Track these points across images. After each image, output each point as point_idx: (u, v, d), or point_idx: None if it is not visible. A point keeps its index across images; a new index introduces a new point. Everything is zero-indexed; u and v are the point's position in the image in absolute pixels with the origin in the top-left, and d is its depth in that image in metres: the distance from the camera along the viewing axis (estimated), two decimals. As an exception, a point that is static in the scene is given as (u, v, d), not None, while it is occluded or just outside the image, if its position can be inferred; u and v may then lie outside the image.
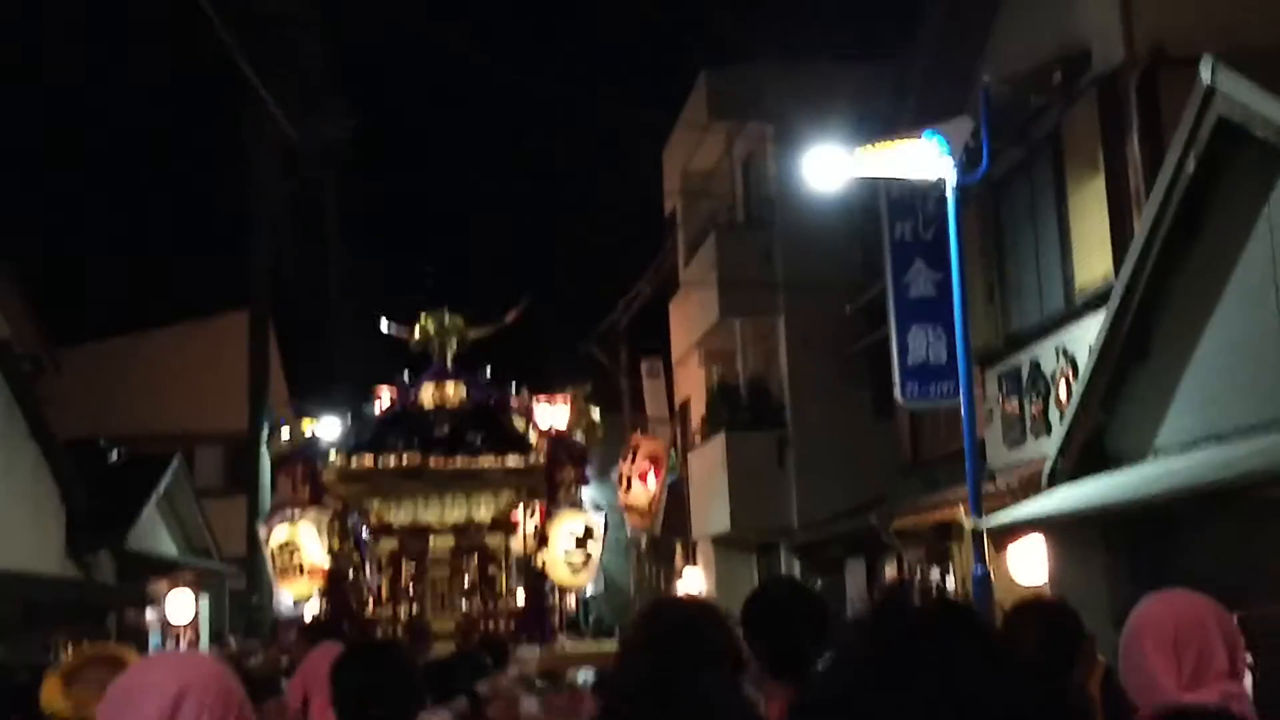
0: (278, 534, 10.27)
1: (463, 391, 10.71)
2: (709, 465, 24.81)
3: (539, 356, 33.85)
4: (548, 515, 10.28)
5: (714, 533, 25.13)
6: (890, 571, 19.27)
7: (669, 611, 3.31)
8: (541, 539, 10.25)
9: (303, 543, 10.18)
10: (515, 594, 10.38)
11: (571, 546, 10.09)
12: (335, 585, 10.34)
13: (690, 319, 26.88)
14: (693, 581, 27.20)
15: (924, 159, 12.10)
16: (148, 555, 22.29)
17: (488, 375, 11.14)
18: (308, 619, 10.26)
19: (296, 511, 10.38)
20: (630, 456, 27.26)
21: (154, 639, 23.09)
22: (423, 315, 11.12)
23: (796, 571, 22.94)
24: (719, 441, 24.01)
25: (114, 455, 23.79)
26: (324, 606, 10.31)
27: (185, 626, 22.43)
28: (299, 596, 10.40)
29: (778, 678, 3.83)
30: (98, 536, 20.52)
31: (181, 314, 31.66)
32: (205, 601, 23.51)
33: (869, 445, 21.22)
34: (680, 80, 27.01)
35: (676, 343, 28.68)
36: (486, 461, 10.17)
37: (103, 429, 25.51)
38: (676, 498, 27.68)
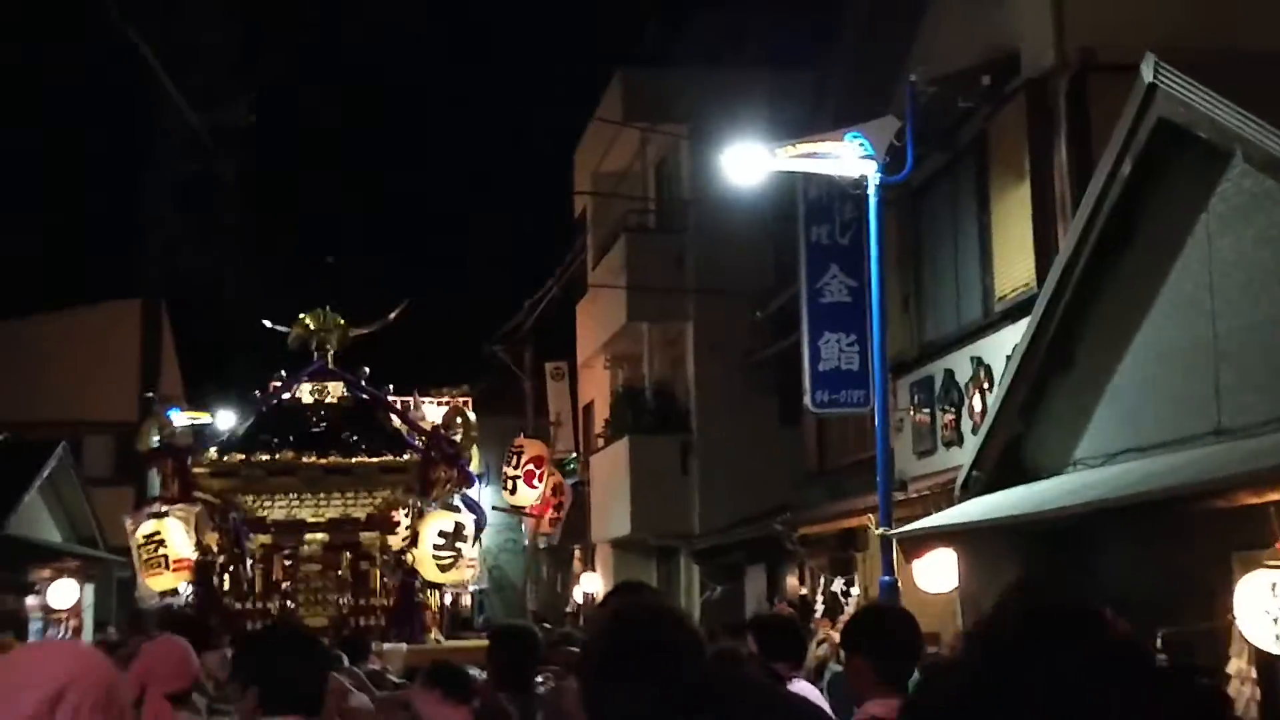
0: (144, 527, 10.23)
1: (341, 390, 10.74)
2: (611, 469, 24.56)
3: (441, 356, 33.48)
4: (419, 513, 10.27)
5: (614, 536, 24.93)
6: (791, 579, 19.09)
7: (641, 632, 2.89)
8: (413, 537, 10.23)
9: (170, 536, 10.13)
10: (390, 591, 10.42)
11: (441, 544, 10.01)
12: (204, 579, 10.31)
13: (597, 322, 26.61)
14: (590, 585, 26.94)
15: (846, 159, 11.87)
16: (29, 541, 21.55)
17: (366, 374, 11.09)
18: (166, 611, 10.17)
19: (164, 506, 10.32)
20: (514, 459, 27.06)
21: (35, 626, 22.42)
22: (302, 314, 11.11)
23: (695, 577, 22.75)
24: (622, 445, 23.77)
25: (-1, 439, 23.05)
26: (192, 600, 10.29)
27: (68, 614, 21.74)
28: (163, 589, 10.29)
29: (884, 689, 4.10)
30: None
31: (71, 300, 30.88)
32: (90, 590, 22.78)
33: (774, 453, 21.09)
34: (593, 81, 26.74)
35: (583, 345, 28.40)
36: (360, 459, 10.21)
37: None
38: (576, 502, 27.40)
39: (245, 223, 29.07)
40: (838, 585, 15.50)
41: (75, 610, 21.66)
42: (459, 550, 10.13)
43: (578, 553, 29.51)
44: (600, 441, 26.20)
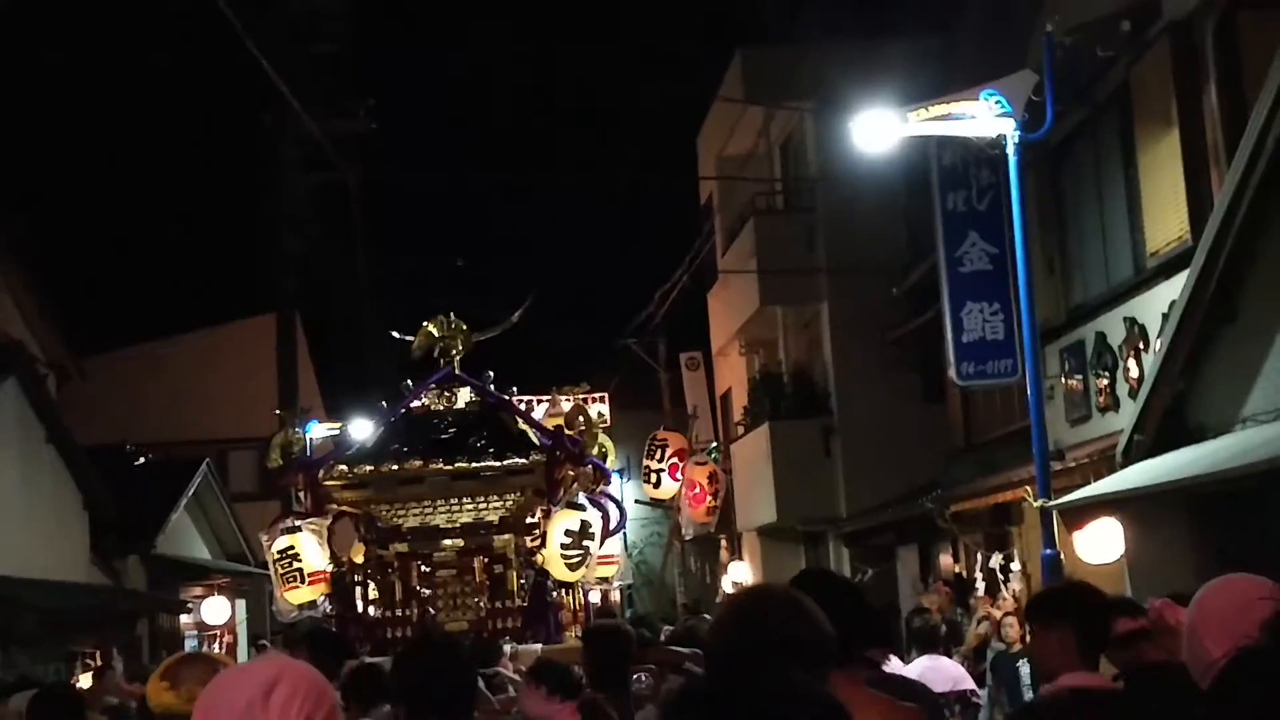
0: (279, 542, 10.29)
1: (468, 395, 10.74)
2: (753, 456, 24.21)
3: (575, 353, 33.41)
4: (546, 514, 10.27)
5: (759, 524, 24.58)
6: (945, 558, 18.64)
7: (745, 606, 3.10)
8: (542, 537, 10.25)
9: (304, 550, 10.18)
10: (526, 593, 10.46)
11: (568, 543, 9.96)
12: (341, 590, 10.41)
13: (730, 308, 26.27)
14: (738, 575, 26.62)
15: (982, 119, 11.41)
16: (178, 560, 21.75)
17: (491, 377, 11.11)
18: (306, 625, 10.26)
19: (297, 520, 10.38)
20: (658, 453, 26.93)
21: (190, 644, 22.63)
22: (425, 322, 11.17)
23: (846, 562, 22.35)
24: (762, 432, 23.40)
25: (140, 460, 23.27)
26: (331, 612, 10.40)
27: (222, 630, 21.92)
28: (300, 602, 10.33)
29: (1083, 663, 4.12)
30: (125, 542, 19.97)
31: (212, 318, 31.29)
32: (241, 606, 22.97)
33: (918, 431, 20.63)
34: (712, 63, 26.39)
35: (716, 333, 28.07)
36: (486, 463, 10.24)
37: (132, 437, 25.07)
38: (720, 490, 27.10)
39: (373, 230, 29.17)
40: (995, 561, 15.01)
41: (229, 626, 21.83)
42: (586, 548, 10.07)
43: (724, 542, 29.21)
44: (740, 429, 25.85)
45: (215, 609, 21.54)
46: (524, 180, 40.52)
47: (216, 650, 21.78)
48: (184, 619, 22.09)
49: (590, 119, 47.79)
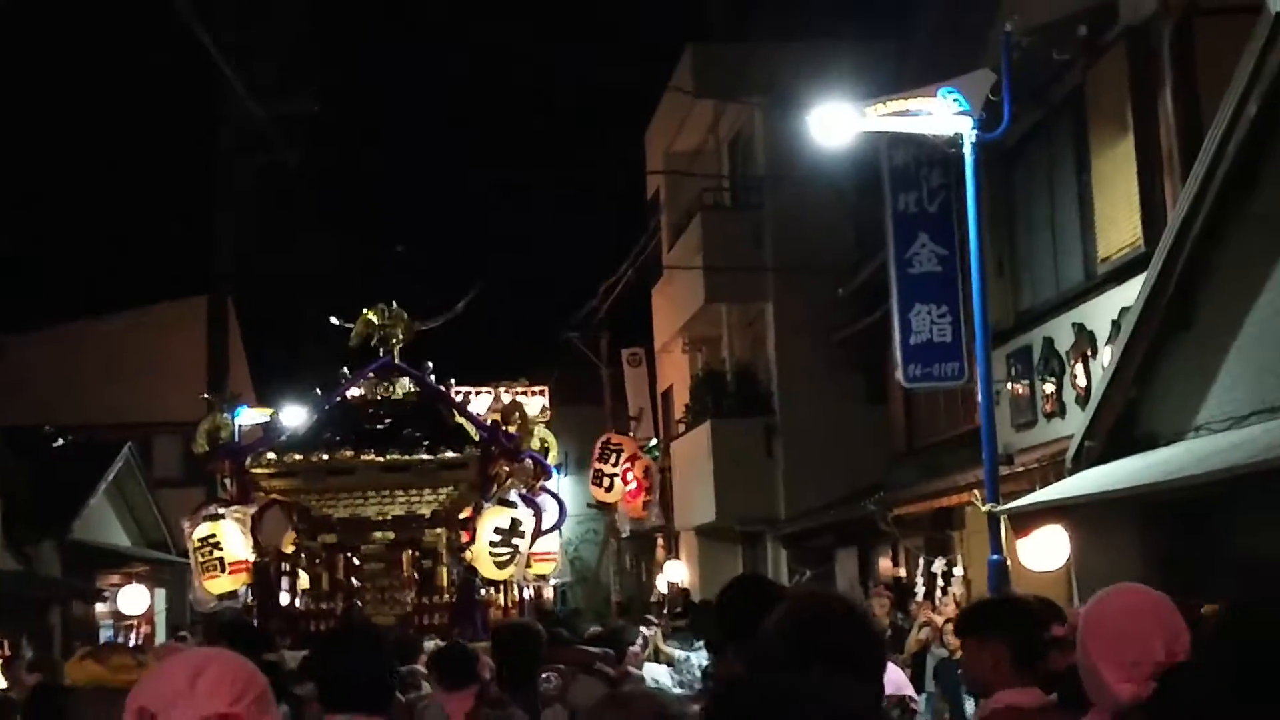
0: (200, 530, 10.06)
1: (406, 385, 10.54)
2: (693, 455, 24.04)
3: (517, 345, 33.10)
4: (477, 510, 10.04)
5: (698, 524, 24.42)
6: (885, 561, 18.51)
7: (801, 609, 3.07)
8: (471, 533, 10.06)
9: (225, 538, 9.97)
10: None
11: (497, 540, 9.78)
12: (263, 581, 10.15)
13: (674, 305, 26.06)
14: (675, 574, 26.45)
15: (938, 117, 11.24)
16: (95, 546, 21.18)
17: (430, 369, 10.87)
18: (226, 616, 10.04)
19: (221, 508, 10.18)
20: (613, 457, 26.65)
21: (105, 634, 22.12)
22: (365, 309, 10.94)
23: (784, 563, 22.20)
24: (704, 430, 23.24)
25: (59, 442, 22.68)
26: (251, 602, 10.19)
27: (140, 620, 21.41)
28: (220, 592, 10.12)
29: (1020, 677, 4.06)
30: (39, 527, 19.39)
31: (138, 299, 30.58)
32: (161, 595, 22.47)
33: (860, 433, 20.56)
34: (662, 58, 26.17)
35: (659, 330, 27.87)
36: (419, 456, 10.03)
37: (54, 419, 24.43)
38: (658, 488, 26.88)
39: (312, 215, 28.75)
40: (938, 566, 14.87)
41: (147, 616, 21.33)
42: (516, 546, 9.87)
43: (661, 541, 29.02)
44: (681, 427, 25.67)
45: (133, 598, 21.00)
46: (471, 169, 40.18)
47: (132, 641, 21.34)
48: (100, 608, 21.55)
49: (541, 110, 47.44)
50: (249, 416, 18.87)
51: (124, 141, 36.87)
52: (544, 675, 6.98)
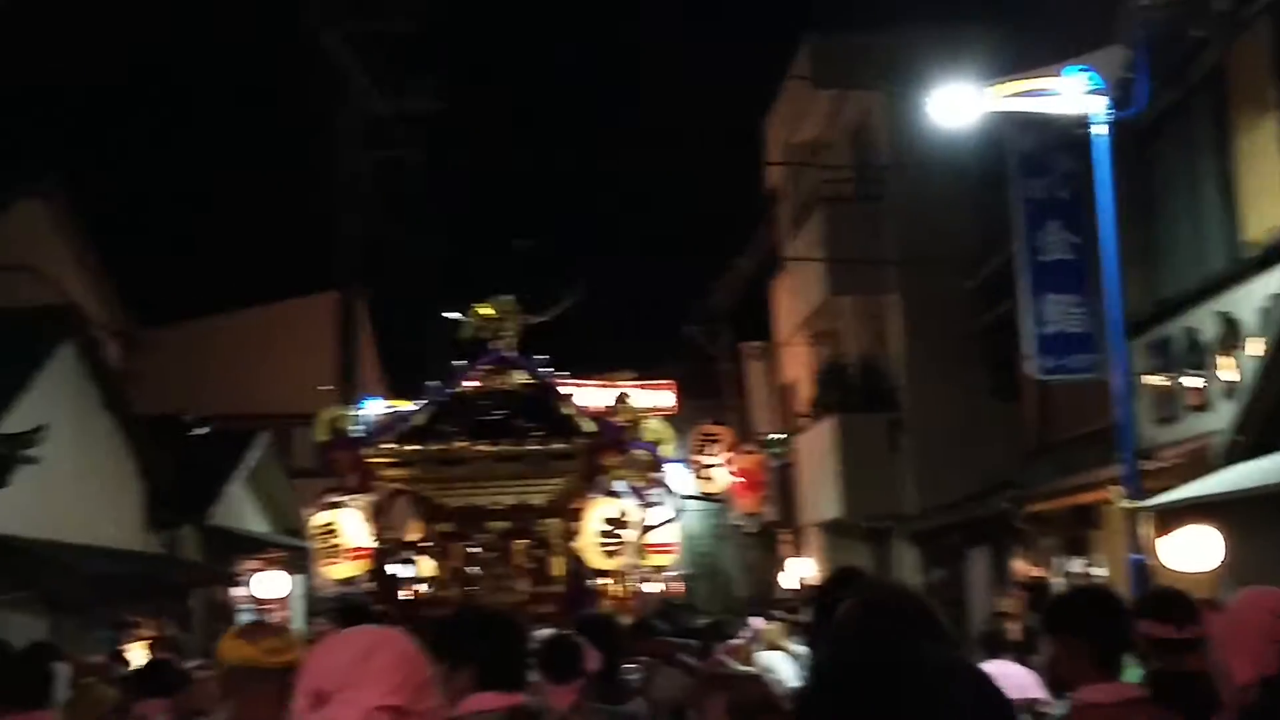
0: (319, 517, 10.25)
1: (517, 377, 10.73)
2: (818, 450, 23.70)
3: (639, 340, 32.98)
4: (586, 500, 10.18)
5: (823, 519, 24.03)
6: (1018, 561, 18.00)
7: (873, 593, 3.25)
8: (580, 524, 10.19)
9: (343, 526, 10.14)
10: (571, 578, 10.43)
11: (605, 530, 9.92)
12: (380, 568, 10.37)
13: (795, 298, 25.72)
14: (800, 570, 26.11)
15: (1068, 97, 10.82)
16: (233, 531, 21.46)
17: (542, 360, 11.02)
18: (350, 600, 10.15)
19: (341, 496, 10.33)
20: (708, 448, 26.59)
21: (244, 617, 22.31)
22: (476, 304, 11.16)
23: (912, 561, 21.78)
24: (828, 425, 22.92)
25: (199, 430, 23.02)
26: (369, 589, 10.34)
27: (276, 605, 21.58)
28: (339, 578, 10.31)
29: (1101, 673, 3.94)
30: (180, 512, 19.69)
31: (279, 292, 31.08)
32: (300, 581, 22.61)
33: (989, 429, 20.07)
34: (782, 47, 25.80)
35: (781, 323, 27.54)
36: (530, 446, 10.25)
37: (194, 409, 24.87)
38: (782, 484, 26.60)
39: (438, 208, 28.85)
40: (1077, 565, 14.38)
41: (283, 601, 21.48)
42: (623, 538, 9.96)
43: (786, 537, 28.66)
44: (805, 422, 25.30)
45: (270, 583, 21.20)
46: (593, 163, 40.05)
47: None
48: (237, 592, 21.80)
49: (659, 101, 47.14)
50: (377, 407, 18.95)
51: (253, 138, 37.30)
52: (628, 667, 6.89)
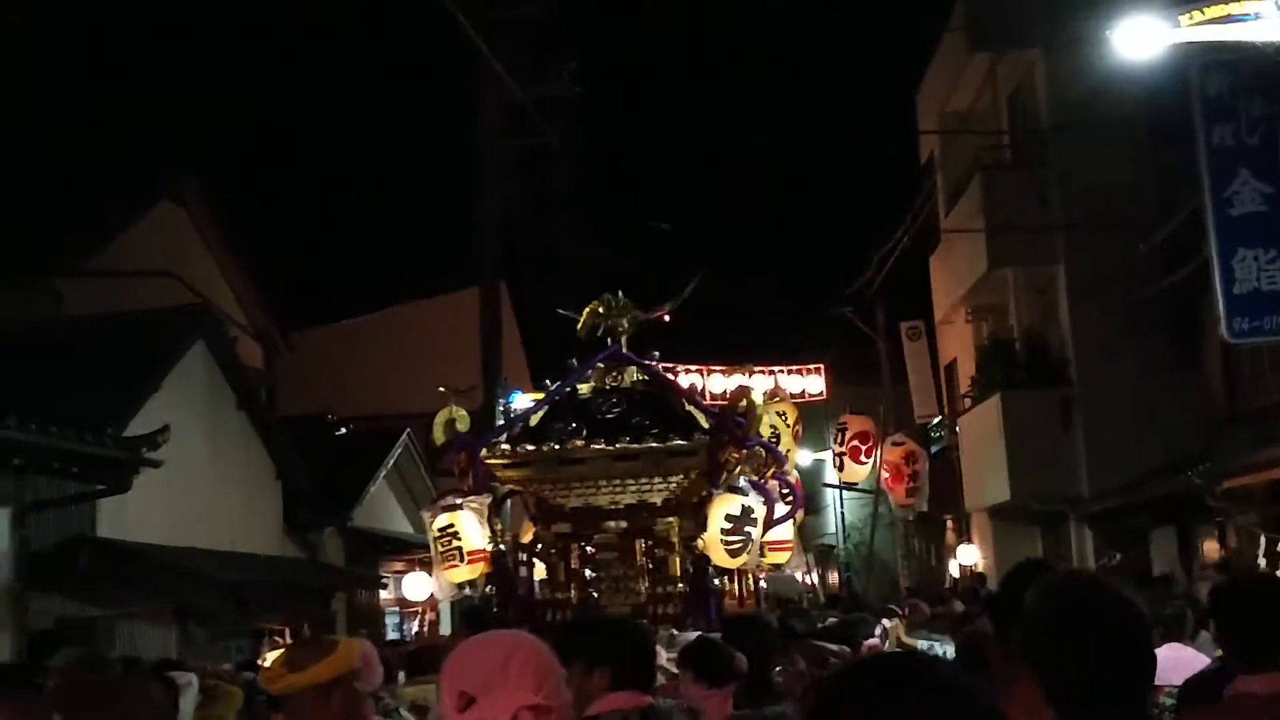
0: (439, 520, 10.07)
1: (634, 374, 10.60)
2: (982, 431, 22.70)
3: (788, 323, 32.07)
4: (708, 497, 9.95)
5: (990, 504, 23.07)
6: (1210, 542, 16.85)
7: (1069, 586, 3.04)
8: (703, 521, 9.95)
9: (464, 528, 9.96)
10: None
11: (728, 528, 9.65)
12: (500, 570, 10.22)
13: (954, 273, 24.66)
14: (967, 558, 25.10)
15: (1270, 21, 9.76)
16: (376, 533, 21.01)
17: (657, 356, 10.91)
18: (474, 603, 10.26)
19: (459, 498, 10.17)
20: (839, 436, 25.95)
21: (391, 620, 21.93)
22: (592, 302, 11.10)
23: (1089, 544, 20.68)
24: (993, 404, 21.87)
25: (341, 430, 22.64)
26: (490, 592, 10.21)
27: (424, 605, 21.13)
28: (459, 581, 10.17)
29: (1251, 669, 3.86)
30: (322, 514, 19.25)
31: (421, 292, 30.93)
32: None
33: (1170, 401, 19.11)
34: (933, 14, 24.77)
35: (939, 300, 26.48)
36: (648, 444, 10.08)
37: (339, 410, 24.65)
38: (945, 469, 25.59)
39: (580, 195, 28.21)
40: (1280, 546, 13.21)
41: (431, 603, 21.01)
42: (748, 534, 9.69)
43: (950, 523, 27.63)
44: (967, 402, 24.25)
45: (416, 584, 20.70)
46: (735, 141, 39.16)
47: (415, 627, 21.04)
48: (384, 594, 21.36)
49: (803, 75, 46.13)
50: (523, 401, 18.40)
51: (391, 141, 37.19)
52: (776, 669, 6.57)
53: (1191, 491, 15.02)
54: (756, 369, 28.35)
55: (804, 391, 29.67)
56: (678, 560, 10.11)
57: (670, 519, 10.19)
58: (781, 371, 29.15)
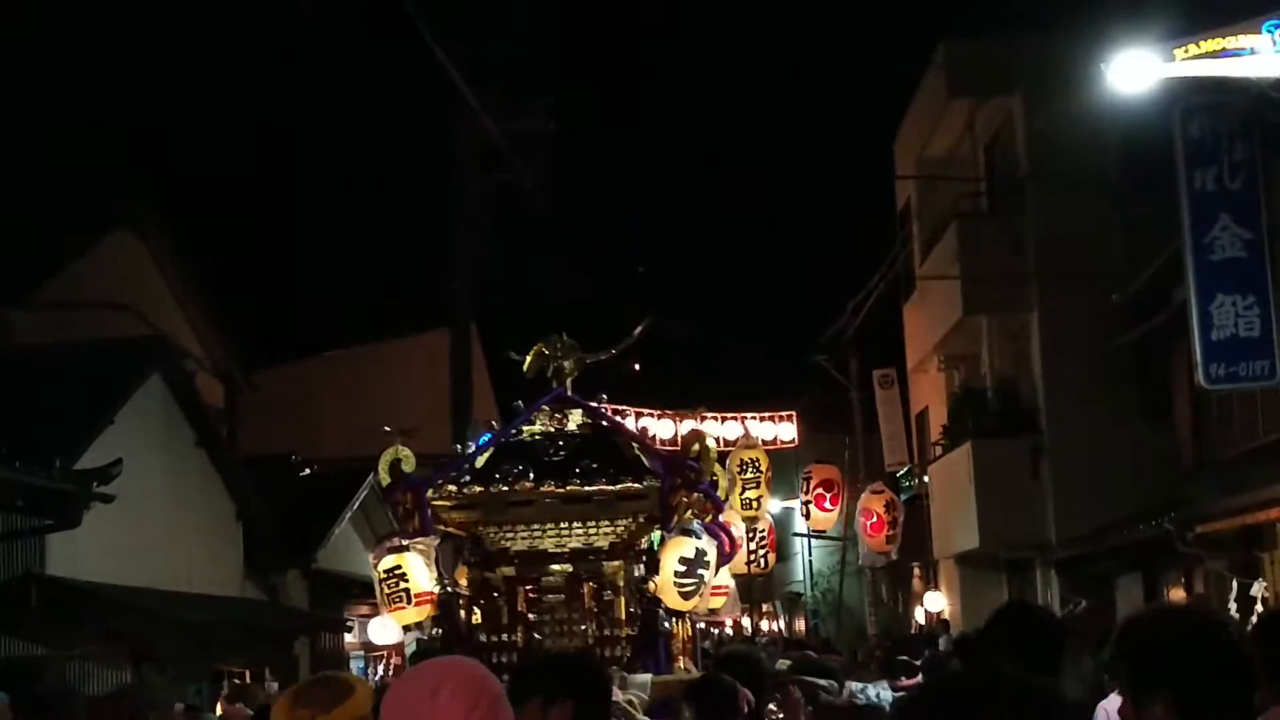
0: (385, 561, 9.84)
1: (578, 417, 10.33)
2: (951, 478, 22.68)
3: (760, 369, 31.99)
4: (660, 540, 9.78)
5: (958, 551, 22.96)
6: (1176, 589, 16.78)
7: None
8: (652, 564, 9.79)
9: (411, 570, 9.81)
10: (635, 621, 10.14)
11: (682, 570, 9.56)
12: (449, 613, 10.02)
13: (928, 320, 24.66)
14: (934, 605, 24.99)
15: (1264, 56, 9.72)
16: (342, 576, 20.66)
17: (604, 399, 10.78)
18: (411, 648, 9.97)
19: (405, 539, 9.95)
20: (805, 485, 26.07)
21: (356, 665, 21.56)
22: (537, 345, 10.71)
23: (1055, 591, 20.60)
24: (964, 451, 21.85)
25: (305, 471, 22.30)
26: (436, 634, 10.03)
27: (390, 650, 20.78)
28: (405, 623, 9.99)
29: None
30: (285, 556, 18.88)
31: (388, 329, 30.62)
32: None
33: (1138, 450, 19.20)
34: (910, 60, 24.89)
35: (912, 348, 26.47)
36: (600, 486, 9.88)
37: (305, 451, 24.32)
38: (914, 517, 25.49)
39: (551, 237, 28.10)
40: (1257, 589, 13.12)
41: (397, 648, 20.68)
42: (700, 576, 9.58)
43: (917, 571, 27.52)
44: (938, 450, 24.18)
45: (382, 629, 20.37)
46: (712, 182, 39.13)
47: (380, 672, 20.68)
48: (349, 639, 20.98)
49: (780, 119, 46.16)
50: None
51: (360, 175, 37.05)
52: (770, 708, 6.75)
53: (1160, 538, 15.02)
54: (728, 416, 28.45)
55: (776, 438, 29.61)
56: (623, 603, 10.03)
57: (616, 562, 10.09)
58: (753, 418, 29.11)
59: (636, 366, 37.76)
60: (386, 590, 9.80)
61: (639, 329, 11.97)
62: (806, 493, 26.70)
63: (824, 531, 28.38)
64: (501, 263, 24.99)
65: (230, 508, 17.86)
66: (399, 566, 9.75)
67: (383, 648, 20.97)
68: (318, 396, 28.58)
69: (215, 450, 17.51)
